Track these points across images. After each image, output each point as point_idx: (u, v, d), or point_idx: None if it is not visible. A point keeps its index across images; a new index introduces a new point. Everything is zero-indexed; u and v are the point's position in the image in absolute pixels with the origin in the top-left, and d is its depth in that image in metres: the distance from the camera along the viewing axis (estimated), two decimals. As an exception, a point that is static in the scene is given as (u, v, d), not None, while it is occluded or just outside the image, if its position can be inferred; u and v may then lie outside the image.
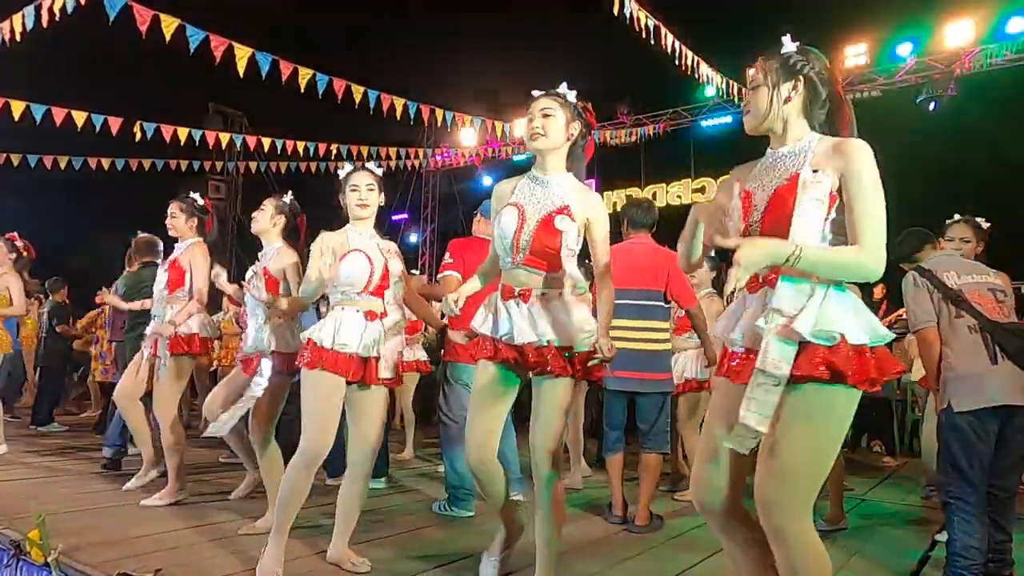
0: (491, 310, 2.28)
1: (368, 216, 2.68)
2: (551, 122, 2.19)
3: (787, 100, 1.64)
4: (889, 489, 4.80)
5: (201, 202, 3.78)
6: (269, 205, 3.27)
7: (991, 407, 2.52)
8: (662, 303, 3.56)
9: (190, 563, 2.60)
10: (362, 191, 2.64)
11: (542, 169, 2.27)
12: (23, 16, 5.63)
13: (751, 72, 1.70)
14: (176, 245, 3.76)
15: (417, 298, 3.38)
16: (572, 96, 2.23)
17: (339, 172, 2.73)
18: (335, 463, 4.30)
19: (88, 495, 3.56)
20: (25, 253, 5.13)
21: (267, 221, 3.25)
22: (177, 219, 3.70)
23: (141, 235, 4.79)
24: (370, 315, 2.59)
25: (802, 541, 1.50)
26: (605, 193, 12.89)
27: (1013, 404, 2.52)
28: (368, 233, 2.69)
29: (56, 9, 5.45)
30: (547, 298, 2.20)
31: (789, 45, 1.68)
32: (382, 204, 2.72)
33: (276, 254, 3.21)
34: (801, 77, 1.64)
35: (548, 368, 2.15)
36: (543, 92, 2.23)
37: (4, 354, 4.95)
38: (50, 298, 7.42)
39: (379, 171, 2.75)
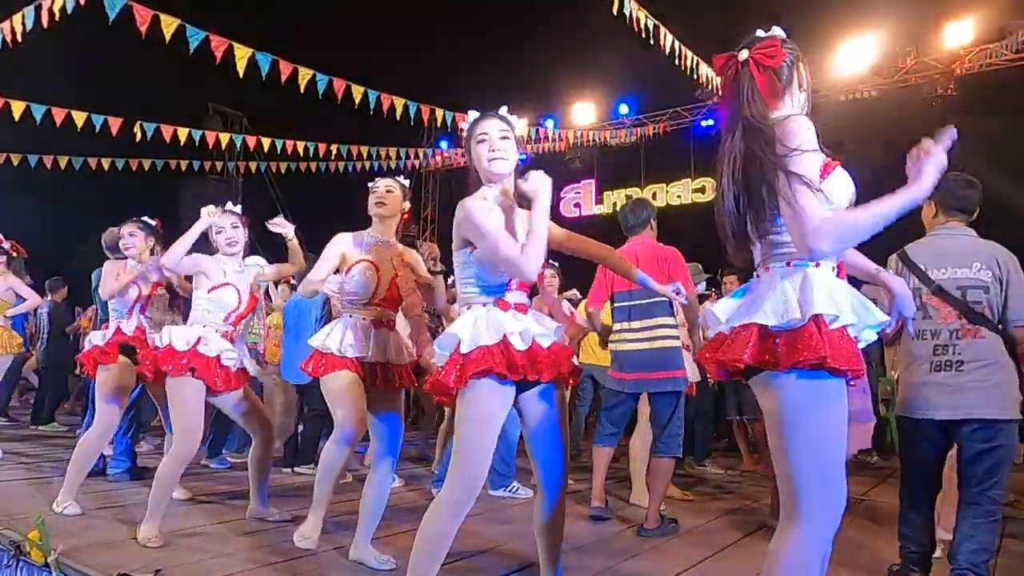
0: (486, 322, 1.96)
1: (387, 215, 2.83)
2: (509, 144, 2.06)
3: None
4: (889, 489, 4.79)
5: (154, 223, 3.78)
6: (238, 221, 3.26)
7: (926, 419, 2.52)
8: (665, 298, 3.50)
9: (190, 563, 2.60)
10: (380, 191, 2.81)
11: (507, 196, 2.10)
12: (23, 16, 5.62)
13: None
14: (136, 265, 3.67)
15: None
16: (516, 122, 2.14)
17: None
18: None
19: (88, 495, 3.55)
20: (15, 253, 5.12)
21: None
22: (136, 237, 3.66)
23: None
24: (376, 323, 2.77)
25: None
26: (605, 193, 12.88)
27: (945, 419, 2.48)
28: (380, 240, 2.83)
29: (56, 9, 5.43)
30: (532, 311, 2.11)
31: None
32: (406, 209, 2.86)
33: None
34: None
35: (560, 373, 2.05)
36: (489, 112, 2.09)
37: (14, 355, 5.01)
38: (49, 298, 7.43)
39: (404, 181, 2.93)
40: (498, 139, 2.03)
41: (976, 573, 2.41)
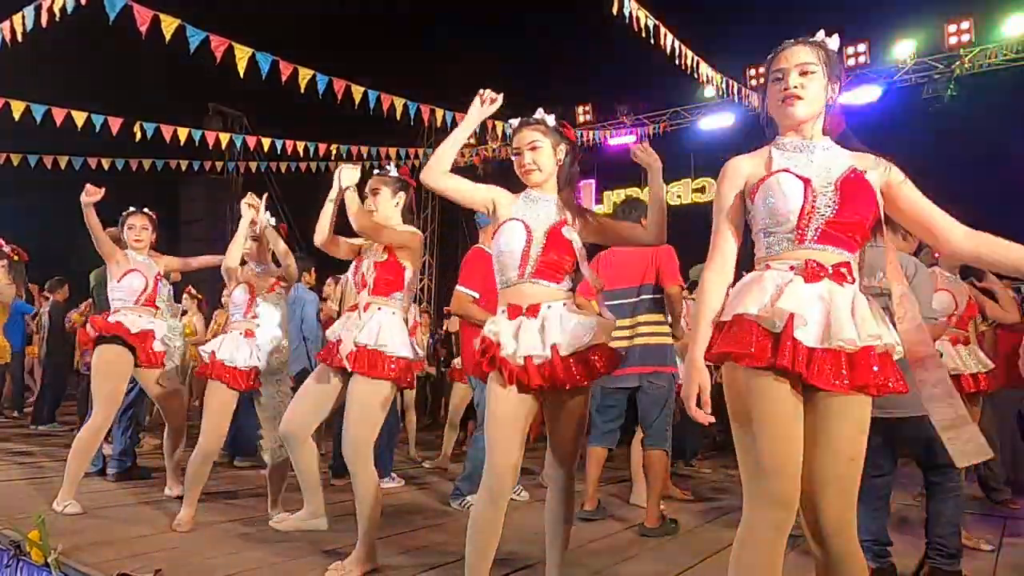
0: (494, 331, 2.16)
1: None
2: (540, 154, 2.18)
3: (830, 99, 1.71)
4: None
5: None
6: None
7: None
8: (653, 295, 3.52)
9: (190, 563, 2.60)
10: (368, 200, 2.78)
11: (539, 191, 2.24)
12: (23, 16, 5.62)
13: (803, 55, 1.66)
14: (137, 256, 3.69)
15: None
16: (552, 120, 2.22)
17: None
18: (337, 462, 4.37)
19: (88, 495, 3.55)
20: (16, 257, 5.11)
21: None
22: (147, 230, 3.71)
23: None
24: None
25: None
26: (605, 193, 12.89)
27: (876, 417, 2.66)
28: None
29: (56, 9, 5.44)
30: (555, 309, 2.15)
31: (833, 41, 1.70)
32: (400, 202, 2.80)
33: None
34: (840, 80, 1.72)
35: (562, 382, 2.07)
36: (523, 121, 2.22)
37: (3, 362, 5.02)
38: (50, 298, 7.43)
39: (392, 171, 2.85)
40: (527, 151, 2.19)
41: (943, 544, 2.68)
